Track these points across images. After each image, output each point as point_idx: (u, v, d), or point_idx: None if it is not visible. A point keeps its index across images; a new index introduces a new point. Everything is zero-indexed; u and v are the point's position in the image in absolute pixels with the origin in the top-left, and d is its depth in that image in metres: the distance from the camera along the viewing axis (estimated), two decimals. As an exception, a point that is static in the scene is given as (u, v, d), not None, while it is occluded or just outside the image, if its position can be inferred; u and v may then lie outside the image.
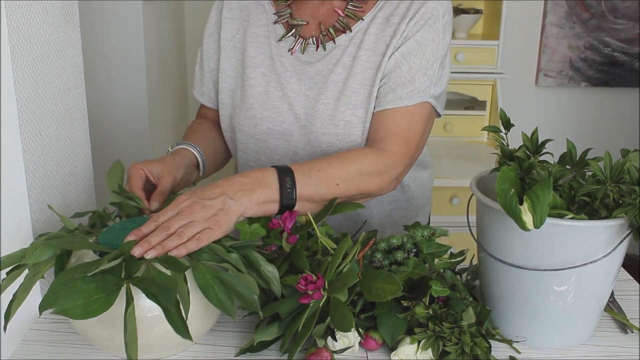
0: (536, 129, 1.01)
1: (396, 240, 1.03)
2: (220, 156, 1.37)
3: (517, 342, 0.99)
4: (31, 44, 1.07)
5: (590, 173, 0.98)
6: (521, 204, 0.88)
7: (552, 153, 1.00)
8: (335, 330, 0.94)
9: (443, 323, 0.93)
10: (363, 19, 1.23)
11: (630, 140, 2.85)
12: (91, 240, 0.92)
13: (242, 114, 1.28)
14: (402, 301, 0.97)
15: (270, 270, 0.92)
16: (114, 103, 2.10)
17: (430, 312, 0.95)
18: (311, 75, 1.24)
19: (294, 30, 1.26)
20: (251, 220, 1.00)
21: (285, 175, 1.04)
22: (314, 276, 0.91)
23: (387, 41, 1.21)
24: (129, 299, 0.81)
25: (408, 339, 0.94)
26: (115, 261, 0.85)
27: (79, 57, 1.27)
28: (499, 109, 1.17)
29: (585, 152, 1.00)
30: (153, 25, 2.18)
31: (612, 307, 1.10)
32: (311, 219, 1.01)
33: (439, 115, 1.28)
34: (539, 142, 1.00)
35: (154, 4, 2.18)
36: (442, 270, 1.03)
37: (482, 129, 1.13)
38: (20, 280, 0.88)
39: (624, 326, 1.06)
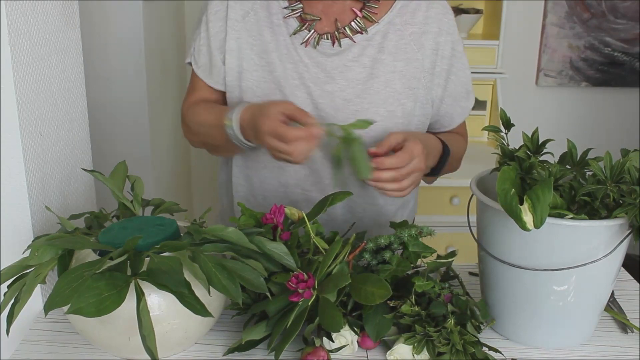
0: (537, 129, 1.01)
1: (384, 240, 1.03)
2: None
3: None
4: (31, 44, 1.07)
5: (590, 173, 0.98)
6: (521, 204, 0.88)
7: (553, 153, 1.01)
8: None
9: (427, 327, 0.93)
10: (378, 22, 1.26)
11: (630, 140, 2.85)
12: (92, 240, 0.92)
13: (257, 98, 1.26)
14: (388, 302, 0.96)
15: (276, 247, 0.93)
16: (114, 103, 2.10)
17: (416, 309, 0.95)
18: (327, 70, 1.25)
19: (307, 24, 1.26)
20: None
21: (445, 151, 1.24)
22: (305, 275, 0.91)
23: (410, 52, 1.26)
24: (139, 294, 0.82)
25: (402, 338, 0.94)
26: (120, 258, 0.85)
27: (79, 57, 1.27)
28: (499, 108, 1.17)
29: (586, 152, 1.00)
30: (153, 25, 2.18)
31: (612, 307, 1.10)
32: (305, 217, 1.01)
33: None
34: (540, 142, 1.00)
35: (154, 4, 2.18)
36: (427, 271, 1.02)
37: (483, 129, 1.13)
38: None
39: (624, 326, 1.06)
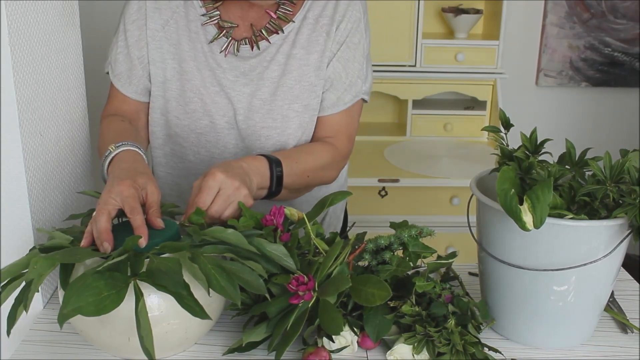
0: (535, 129, 1.01)
1: (384, 241, 1.03)
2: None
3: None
4: (31, 44, 1.07)
5: (590, 173, 0.98)
6: (521, 204, 0.88)
7: (552, 153, 1.01)
8: None
9: (427, 327, 0.92)
10: (294, 21, 1.28)
11: (630, 140, 2.85)
12: (91, 249, 0.91)
13: (180, 107, 1.29)
14: (388, 302, 0.96)
15: (275, 248, 0.94)
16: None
17: (416, 309, 0.95)
18: (246, 72, 1.28)
19: (225, 31, 1.27)
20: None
21: (276, 165, 1.17)
22: (305, 277, 0.91)
23: (322, 43, 1.28)
24: (138, 295, 0.82)
25: (402, 338, 0.94)
26: (120, 257, 0.85)
27: (79, 57, 1.27)
28: (499, 109, 1.17)
29: (585, 152, 1.00)
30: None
31: (612, 307, 1.10)
32: (305, 219, 1.01)
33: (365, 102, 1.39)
34: (538, 142, 1.00)
35: (154, 4, 2.17)
36: (427, 271, 1.02)
37: (482, 129, 1.13)
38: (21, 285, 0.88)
39: (624, 326, 1.06)
